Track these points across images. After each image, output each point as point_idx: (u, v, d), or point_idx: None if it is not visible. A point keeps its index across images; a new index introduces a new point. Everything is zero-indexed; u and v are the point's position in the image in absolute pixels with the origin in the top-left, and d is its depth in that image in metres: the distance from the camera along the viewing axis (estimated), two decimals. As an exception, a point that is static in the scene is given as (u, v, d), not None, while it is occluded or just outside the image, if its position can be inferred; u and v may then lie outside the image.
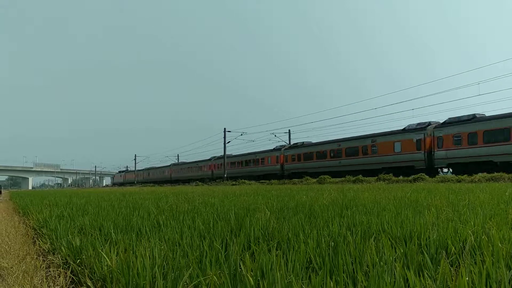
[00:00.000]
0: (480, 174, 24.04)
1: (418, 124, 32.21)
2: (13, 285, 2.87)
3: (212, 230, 4.18)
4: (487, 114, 28.11)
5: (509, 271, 2.31)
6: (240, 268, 2.53)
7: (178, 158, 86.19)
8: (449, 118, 30.43)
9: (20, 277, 2.97)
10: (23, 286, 2.84)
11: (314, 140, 44.07)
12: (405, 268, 2.46)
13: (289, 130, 55.93)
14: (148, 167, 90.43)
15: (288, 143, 53.42)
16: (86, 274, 2.93)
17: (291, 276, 2.37)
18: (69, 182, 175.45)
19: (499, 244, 2.80)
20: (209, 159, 63.28)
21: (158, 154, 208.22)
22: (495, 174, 22.74)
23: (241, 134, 55.61)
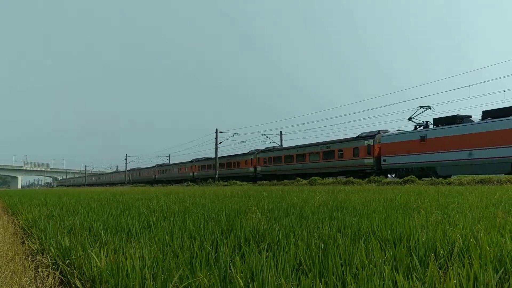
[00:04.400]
0: (469, 176, 24.54)
1: (252, 150, 50.55)
2: (1, 285, 2.84)
3: (202, 231, 4.17)
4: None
5: (496, 274, 2.34)
6: (230, 270, 2.53)
7: (169, 159, 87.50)
8: (265, 148, 49.17)
9: (8, 278, 2.94)
10: (11, 287, 2.81)
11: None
12: (394, 270, 2.48)
13: (280, 131, 56.37)
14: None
15: (280, 144, 53.96)
16: (75, 275, 2.91)
17: (281, 277, 2.38)
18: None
19: (487, 247, 2.83)
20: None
21: (150, 155, 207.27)
22: (483, 176, 23.31)
23: (233, 135, 55.78)
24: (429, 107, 31.75)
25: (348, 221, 4.51)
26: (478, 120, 26.60)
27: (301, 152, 41.29)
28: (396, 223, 4.19)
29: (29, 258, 3.67)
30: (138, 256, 2.89)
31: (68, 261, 3.30)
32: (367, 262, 2.65)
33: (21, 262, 3.43)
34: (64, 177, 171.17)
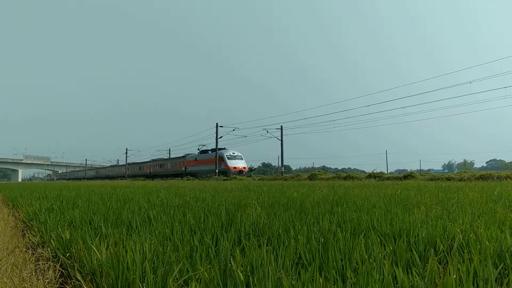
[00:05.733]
0: (469, 172, 24.91)
1: (151, 159, 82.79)
2: (1, 277, 2.85)
3: (202, 225, 4.18)
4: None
5: (496, 270, 2.34)
6: (230, 263, 2.53)
7: (169, 153, 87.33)
8: (156, 158, 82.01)
9: (9, 270, 2.95)
10: (12, 279, 2.82)
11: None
12: (394, 265, 2.48)
13: (281, 126, 56.35)
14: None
15: (280, 139, 54.12)
16: (75, 268, 2.92)
17: (281, 271, 2.38)
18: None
19: (487, 243, 2.84)
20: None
21: (150, 149, 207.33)
22: (484, 172, 23.75)
23: (233, 130, 55.96)
24: (204, 145, 63.48)
25: (348, 216, 4.52)
26: (209, 152, 59.59)
27: (164, 162, 74.43)
28: (396, 218, 4.20)
29: (30, 251, 3.68)
30: (139, 249, 2.89)
31: (68, 254, 3.30)
32: (367, 256, 2.65)
33: (21, 255, 3.44)
34: (65, 170, 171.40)
